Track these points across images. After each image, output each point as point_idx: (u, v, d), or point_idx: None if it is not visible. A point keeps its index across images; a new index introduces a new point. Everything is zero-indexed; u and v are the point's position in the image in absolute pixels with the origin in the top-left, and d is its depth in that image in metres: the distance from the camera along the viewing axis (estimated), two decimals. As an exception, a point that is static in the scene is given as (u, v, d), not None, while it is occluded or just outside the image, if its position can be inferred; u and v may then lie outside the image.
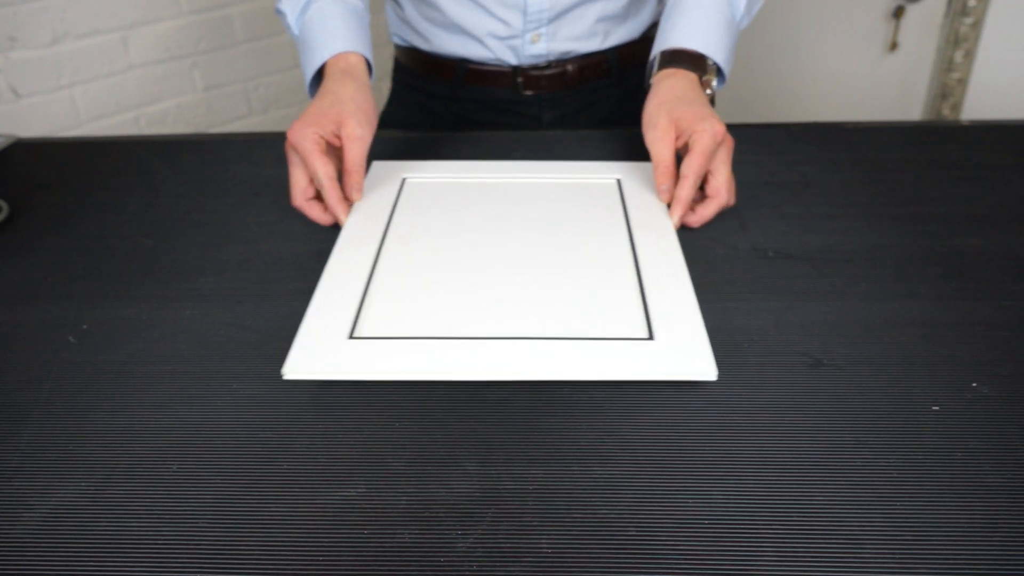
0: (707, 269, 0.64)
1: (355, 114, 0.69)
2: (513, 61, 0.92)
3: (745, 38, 1.99)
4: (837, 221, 0.70)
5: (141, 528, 0.43)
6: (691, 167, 0.66)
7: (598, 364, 0.51)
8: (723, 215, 0.71)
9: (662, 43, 0.77)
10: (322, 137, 0.68)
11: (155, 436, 0.50)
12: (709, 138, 0.66)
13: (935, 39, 1.87)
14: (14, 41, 1.43)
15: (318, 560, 0.41)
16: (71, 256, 0.69)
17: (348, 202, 0.70)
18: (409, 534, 0.42)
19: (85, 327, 0.60)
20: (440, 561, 0.41)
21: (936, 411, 0.50)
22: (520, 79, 0.93)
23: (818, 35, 1.93)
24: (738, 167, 0.79)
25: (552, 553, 0.41)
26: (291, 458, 0.48)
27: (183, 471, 0.47)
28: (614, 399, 0.51)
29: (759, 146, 0.84)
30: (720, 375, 0.53)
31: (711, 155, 0.67)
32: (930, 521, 0.42)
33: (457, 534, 0.42)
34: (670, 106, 0.70)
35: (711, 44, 0.75)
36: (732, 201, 0.69)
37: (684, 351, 0.51)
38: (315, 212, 0.70)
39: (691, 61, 0.74)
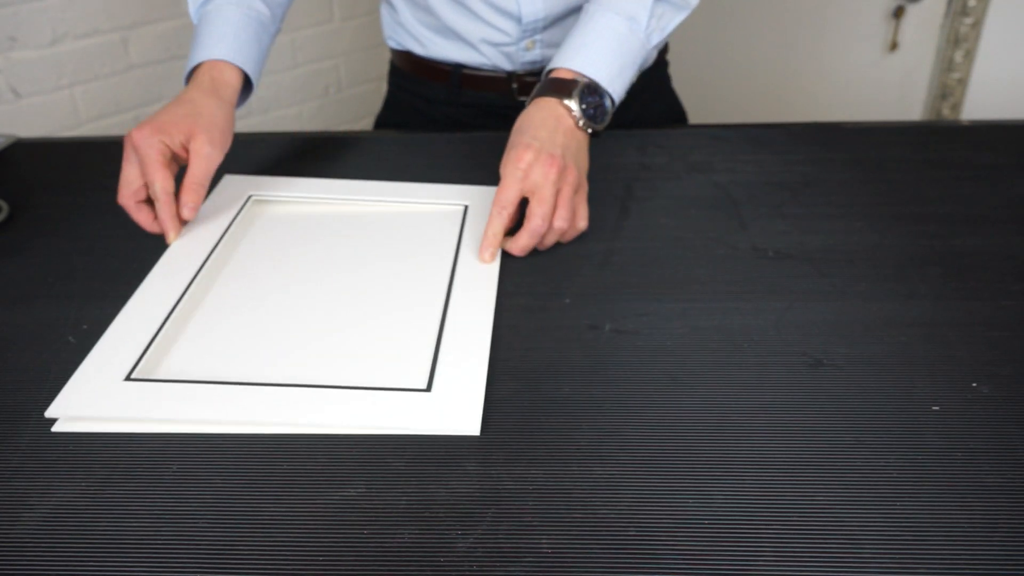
0: (707, 269, 0.64)
1: (209, 130, 0.68)
2: (508, 67, 0.92)
3: (745, 38, 1.99)
4: (837, 221, 0.70)
5: (141, 528, 0.43)
6: (496, 201, 0.65)
7: (370, 416, 0.50)
8: (724, 215, 0.71)
9: (552, 63, 0.74)
10: (168, 147, 0.66)
11: (155, 436, 0.50)
12: (511, 167, 0.65)
13: (935, 39, 1.87)
14: (14, 41, 1.43)
15: (318, 560, 0.41)
16: (71, 256, 0.69)
17: (181, 219, 0.68)
18: (409, 534, 0.43)
19: (85, 327, 0.60)
20: (440, 561, 0.41)
21: (936, 411, 0.50)
22: (515, 85, 0.92)
23: (818, 35, 1.93)
24: (738, 167, 0.79)
25: (552, 553, 0.41)
26: (291, 458, 0.48)
27: (183, 471, 0.47)
28: (613, 399, 0.51)
29: (759, 146, 0.84)
30: (720, 375, 0.53)
31: (516, 183, 0.65)
32: (930, 521, 0.42)
33: (457, 534, 0.42)
34: (512, 136, 0.69)
35: (589, 64, 0.72)
36: (561, 224, 0.65)
37: (453, 405, 0.51)
38: (142, 217, 0.67)
39: (557, 87, 0.71)
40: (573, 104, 0.70)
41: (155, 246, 0.69)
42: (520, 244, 0.65)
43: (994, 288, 0.61)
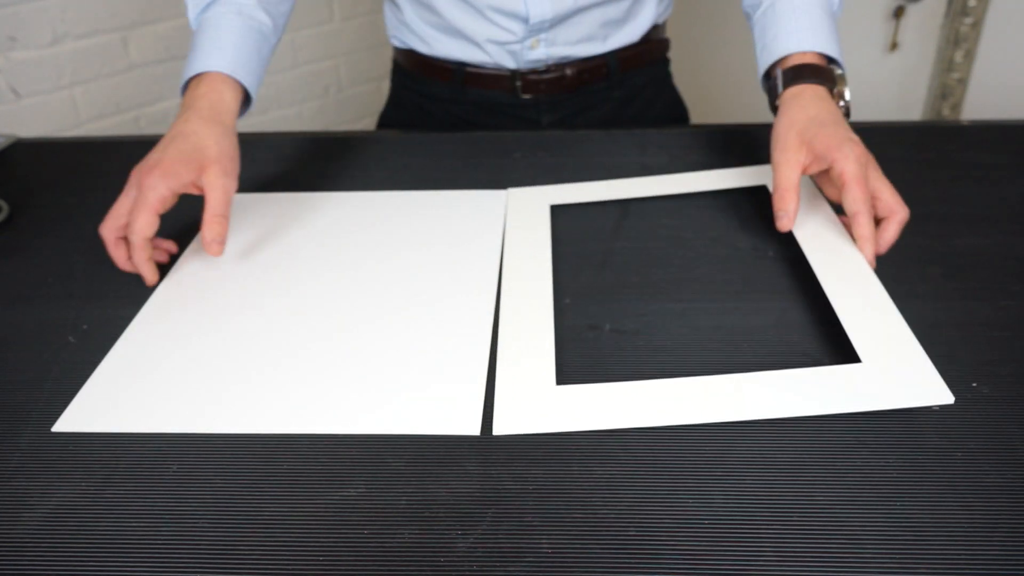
0: (707, 269, 0.64)
1: (219, 160, 0.65)
2: (512, 65, 0.92)
3: (746, 38, 1.99)
4: (837, 221, 0.70)
5: (141, 528, 0.43)
6: (857, 201, 0.60)
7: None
8: (724, 215, 0.71)
9: (773, 54, 0.72)
10: (173, 192, 0.63)
11: (155, 436, 0.50)
12: (854, 165, 0.61)
13: (935, 39, 1.87)
14: (14, 41, 1.43)
15: (318, 560, 0.41)
16: (71, 256, 0.69)
17: (214, 252, 0.64)
18: (409, 534, 0.43)
19: (85, 327, 0.60)
20: (440, 561, 0.41)
21: (936, 411, 0.49)
22: (519, 83, 0.92)
23: (818, 35, 1.92)
24: (739, 167, 0.79)
25: (552, 553, 0.41)
26: (291, 458, 0.48)
27: (183, 471, 0.47)
28: (614, 399, 0.51)
29: (760, 146, 0.84)
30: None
31: (865, 180, 0.61)
32: (930, 521, 0.42)
33: (457, 534, 0.42)
34: (802, 127, 0.65)
35: (829, 44, 0.70)
36: (907, 212, 0.62)
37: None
38: (118, 254, 0.64)
39: (814, 73, 0.69)
40: (846, 91, 0.70)
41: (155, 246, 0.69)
42: (890, 239, 0.62)
43: (994, 288, 0.61)
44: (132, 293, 0.63)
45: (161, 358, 0.56)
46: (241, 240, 0.70)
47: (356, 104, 1.96)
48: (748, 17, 0.79)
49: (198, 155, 0.64)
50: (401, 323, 0.59)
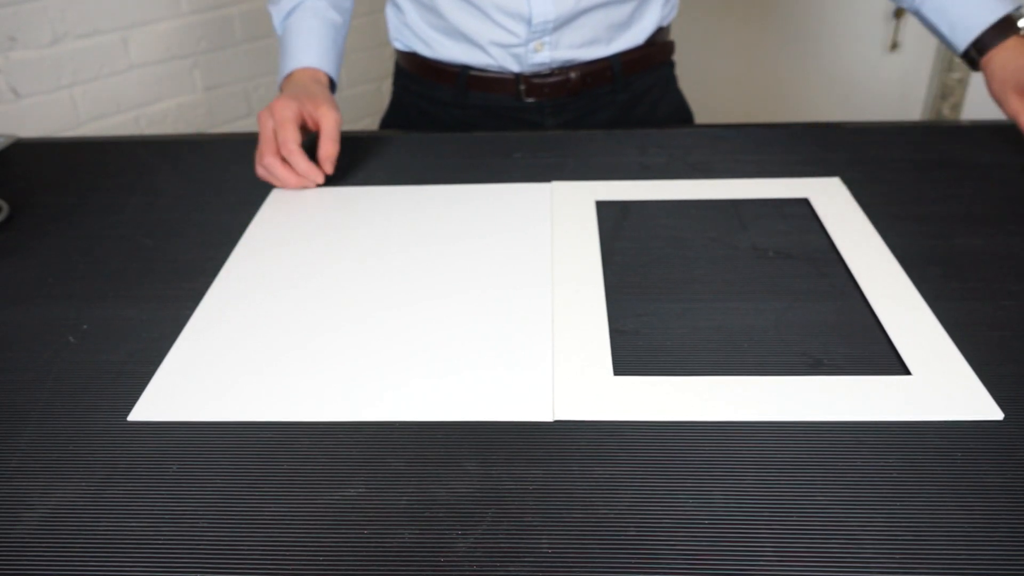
0: (707, 269, 0.64)
1: (328, 99, 0.80)
2: (516, 69, 0.91)
3: (747, 39, 1.99)
4: (837, 221, 0.70)
5: (141, 528, 0.43)
6: None
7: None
8: (724, 215, 0.71)
9: (972, 31, 0.83)
10: (301, 113, 0.77)
11: (155, 436, 0.50)
12: None
13: (935, 39, 1.87)
14: (14, 41, 1.43)
15: (318, 560, 0.41)
16: (71, 256, 0.69)
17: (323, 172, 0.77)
18: (409, 534, 0.43)
19: (85, 327, 0.60)
20: (440, 561, 0.41)
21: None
22: (523, 86, 0.92)
23: (818, 35, 1.93)
24: (739, 167, 0.79)
25: (552, 553, 0.41)
26: (291, 458, 0.48)
27: (183, 471, 0.47)
28: (614, 399, 0.51)
29: (759, 146, 0.84)
30: (720, 375, 0.53)
31: None
32: (930, 521, 0.42)
33: (457, 534, 0.42)
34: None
35: (1004, 4, 0.82)
36: None
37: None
38: (285, 174, 0.76)
39: (1001, 29, 0.82)
40: None
41: (155, 246, 0.70)
42: None
43: (994, 288, 0.61)
44: (132, 293, 0.63)
45: (230, 347, 0.56)
46: (290, 232, 0.71)
47: (356, 104, 1.96)
48: (915, 12, 0.89)
49: (311, 94, 0.80)
50: (462, 312, 0.59)
